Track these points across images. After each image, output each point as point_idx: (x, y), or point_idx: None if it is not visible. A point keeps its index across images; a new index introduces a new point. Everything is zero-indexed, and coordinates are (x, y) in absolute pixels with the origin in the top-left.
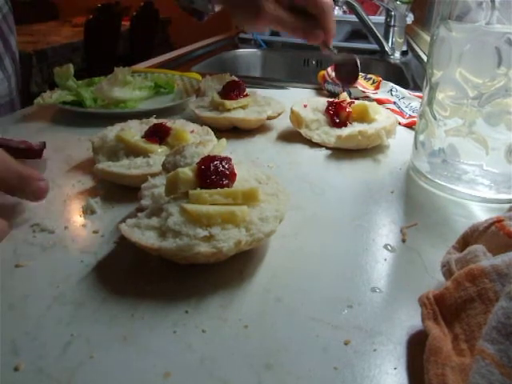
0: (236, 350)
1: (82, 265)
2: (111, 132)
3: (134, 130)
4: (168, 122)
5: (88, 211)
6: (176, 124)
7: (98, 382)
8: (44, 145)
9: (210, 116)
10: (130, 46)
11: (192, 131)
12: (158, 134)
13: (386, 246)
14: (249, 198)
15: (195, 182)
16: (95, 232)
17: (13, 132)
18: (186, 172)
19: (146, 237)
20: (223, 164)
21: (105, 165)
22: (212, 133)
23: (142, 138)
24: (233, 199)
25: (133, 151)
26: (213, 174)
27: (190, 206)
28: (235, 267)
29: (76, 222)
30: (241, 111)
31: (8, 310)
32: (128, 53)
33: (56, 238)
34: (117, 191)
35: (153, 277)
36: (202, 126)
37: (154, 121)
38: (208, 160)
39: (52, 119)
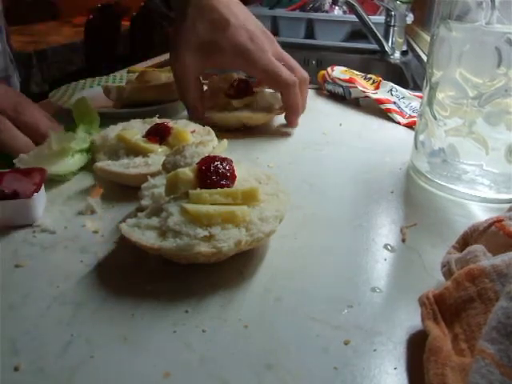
0: (236, 349)
1: (81, 265)
2: (113, 131)
3: (136, 130)
4: (170, 122)
5: (88, 211)
6: (177, 124)
7: (98, 381)
8: (33, 189)
9: (219, 116)
10: (130, 46)
11: (193, 131)
12: (158, 134)
13: (386, 246)
14: (249, 197)
15: (195, 182)
16: (95, 232)
17: None
18: (186, 172)
19: (146, 237)
20: (223, 165)
21: (104, 163)
22: (213, 133)
23: (143, 137)
24: (233, 199)
25: (133, 151)
26: (213, 174)
27: (190, 206)
28: (235, 267)
29: (76, 221)
30: (249, 109)
31: (8, 310)
32: (128, 53)
33: (56, 237)
34: (117, 191)
35: (153, 277)
36: (204, 126)
37: (156, 120)
38: (208, 160)
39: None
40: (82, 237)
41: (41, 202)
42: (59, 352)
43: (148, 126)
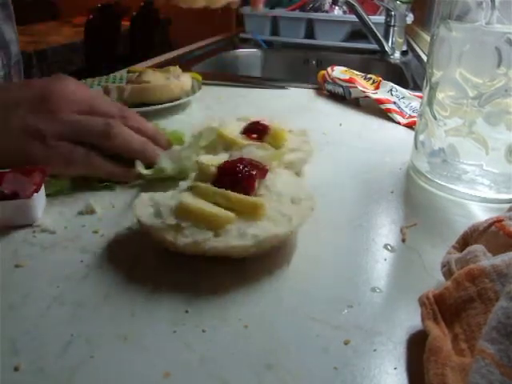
0: (236, 349)
1: (81, 264)
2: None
3: (233, 126)
4: (265, 121)
5: (88, 211)
6: (274, 123)
7: (98, 381)
8: (34, 189)
9: None
10: (130, 46)
11: (289, 131)
12: (256, 132)
13: (386, 246)
14: (249, 210)
15: (214, 178)
16: (95, 232)
17: None
18: (210, 167)
19: (145, 214)
20: (244, 170)
21: (204, 158)
22: (307, 134)
23: (241, 134)
24: (232, 204)
25: (231, 147)
26: (228, 176)
27: (185, 196)
28: (235, 267)
29: (76, 221)
30: None
31: (8, 310)
32: (128, 53)
33: (56, 237)
34: (117, 191)
35: (153, 277)
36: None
37: (250, 118)
38: (234, 162)
39: None
40: (82, 237)
41: (41, 202)
42: (59, 352)
43: (243, 123)
